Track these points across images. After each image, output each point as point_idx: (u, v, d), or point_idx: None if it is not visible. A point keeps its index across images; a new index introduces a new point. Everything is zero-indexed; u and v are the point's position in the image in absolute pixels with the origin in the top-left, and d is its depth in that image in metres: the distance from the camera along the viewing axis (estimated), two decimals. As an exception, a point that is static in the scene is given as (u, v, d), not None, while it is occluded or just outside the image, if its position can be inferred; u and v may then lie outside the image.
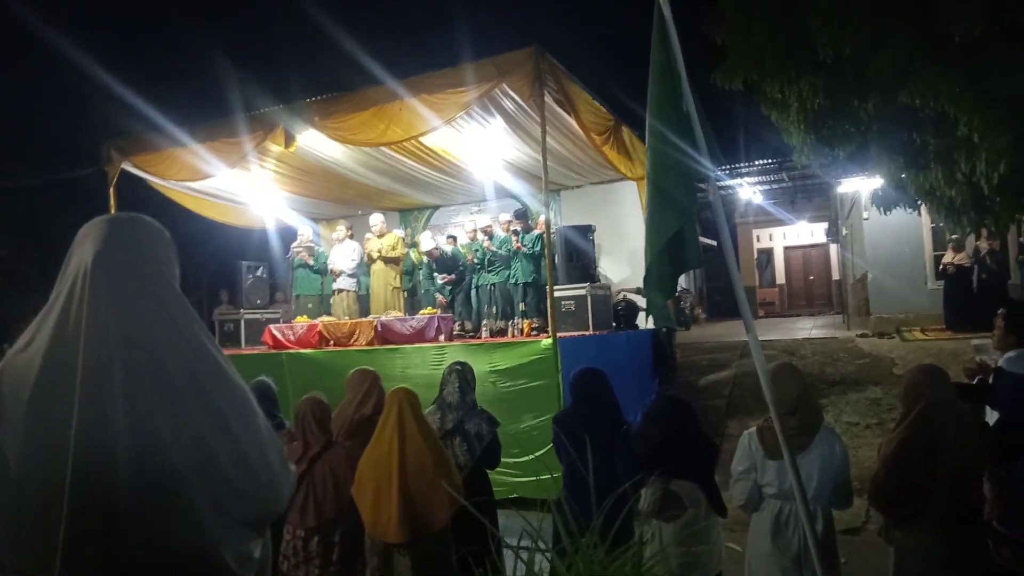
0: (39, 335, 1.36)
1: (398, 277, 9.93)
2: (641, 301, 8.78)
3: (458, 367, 4.29)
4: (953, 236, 10.90)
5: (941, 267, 11.63)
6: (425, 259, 10.24)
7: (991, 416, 3.88)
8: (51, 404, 1.29)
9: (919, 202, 6.77)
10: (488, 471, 4.19)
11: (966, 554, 2.81)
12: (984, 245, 10.81)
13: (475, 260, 9.87)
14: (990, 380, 4.00)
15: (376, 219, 10.08)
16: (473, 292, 10.04)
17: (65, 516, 1.23)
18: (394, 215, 12.36)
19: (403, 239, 10.37)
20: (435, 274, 10.17)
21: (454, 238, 10.63)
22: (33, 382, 1.31)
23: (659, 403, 3.53)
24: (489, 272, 9.64)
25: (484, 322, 9.18)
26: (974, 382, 4.06)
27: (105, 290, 1.36)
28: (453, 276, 9.94)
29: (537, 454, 6.03)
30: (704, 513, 3.27)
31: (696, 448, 3.40)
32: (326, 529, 3.62)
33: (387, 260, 9.72)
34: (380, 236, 9.89)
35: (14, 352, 1.37)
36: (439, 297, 9.98)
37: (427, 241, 9.99)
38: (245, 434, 1.43)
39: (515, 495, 6.03)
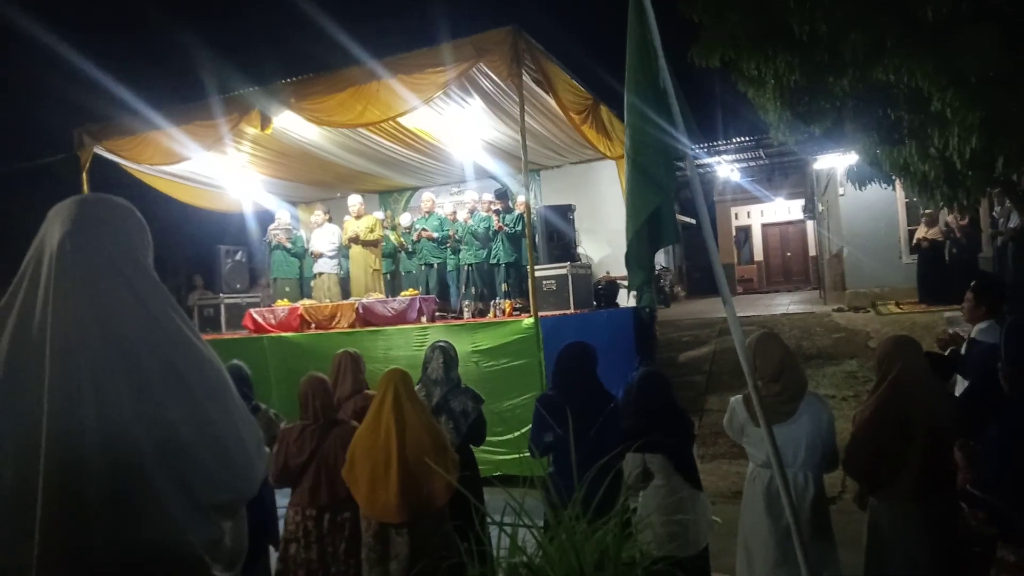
0: (1, 322, 1.33)
1: (378, 260, 9.85)
2: (623, 281, 8.86)
3: (441, 344, 4.33)
4: (926, 211, 11.06)
5: (915, 242, 11.81)
6: (404, 239, 10.19)
7: (962, 390, 3.98)
8: (20, 392, 1.26)
9: (893, 177, 6.86)
10: (473, 448, 4.23)
11: (939, 520, 2.88)
12: (951, 219, 10.99)
13: (456, 236, 9.85)
14: (962, 351, 4.10)
15: (354, 200, 9.98)
16: (451, 273, 10.03)
17: (40, 508, 1.21)
18: (373, 197, 12.27)
19: (381, 221, 10.29)
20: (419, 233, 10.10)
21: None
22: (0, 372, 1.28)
23: (639, 377, 3.60)
24: (466, 250, 9.63)
25: (466, 303, 9.20)
26: (947, 353, 4.15)
27: (72, 272, 1.34)
28: (436, 236, 9.91)
29: (522, 431, 6.08)
30: (684, 483, 3.36)
31: (672, 421, 3.48)
32: (337, 507, 3.61)
33: (365, 244, 9.65)
34: (358, 217, 9.78)
35: None
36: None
37: (408, 222, 9.94)
38: (220, 417, 1.40)
39: (499, 473, 6.09)
